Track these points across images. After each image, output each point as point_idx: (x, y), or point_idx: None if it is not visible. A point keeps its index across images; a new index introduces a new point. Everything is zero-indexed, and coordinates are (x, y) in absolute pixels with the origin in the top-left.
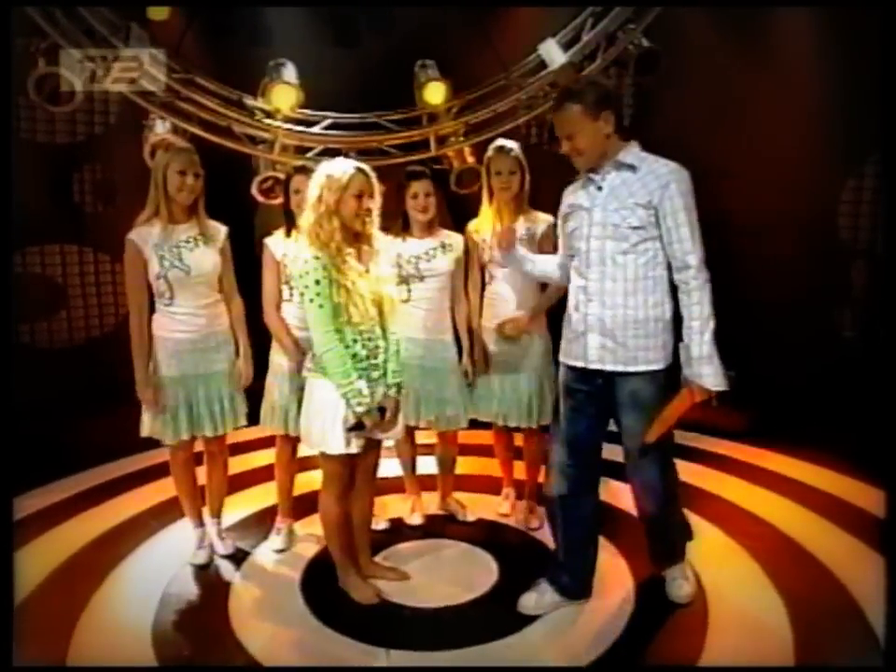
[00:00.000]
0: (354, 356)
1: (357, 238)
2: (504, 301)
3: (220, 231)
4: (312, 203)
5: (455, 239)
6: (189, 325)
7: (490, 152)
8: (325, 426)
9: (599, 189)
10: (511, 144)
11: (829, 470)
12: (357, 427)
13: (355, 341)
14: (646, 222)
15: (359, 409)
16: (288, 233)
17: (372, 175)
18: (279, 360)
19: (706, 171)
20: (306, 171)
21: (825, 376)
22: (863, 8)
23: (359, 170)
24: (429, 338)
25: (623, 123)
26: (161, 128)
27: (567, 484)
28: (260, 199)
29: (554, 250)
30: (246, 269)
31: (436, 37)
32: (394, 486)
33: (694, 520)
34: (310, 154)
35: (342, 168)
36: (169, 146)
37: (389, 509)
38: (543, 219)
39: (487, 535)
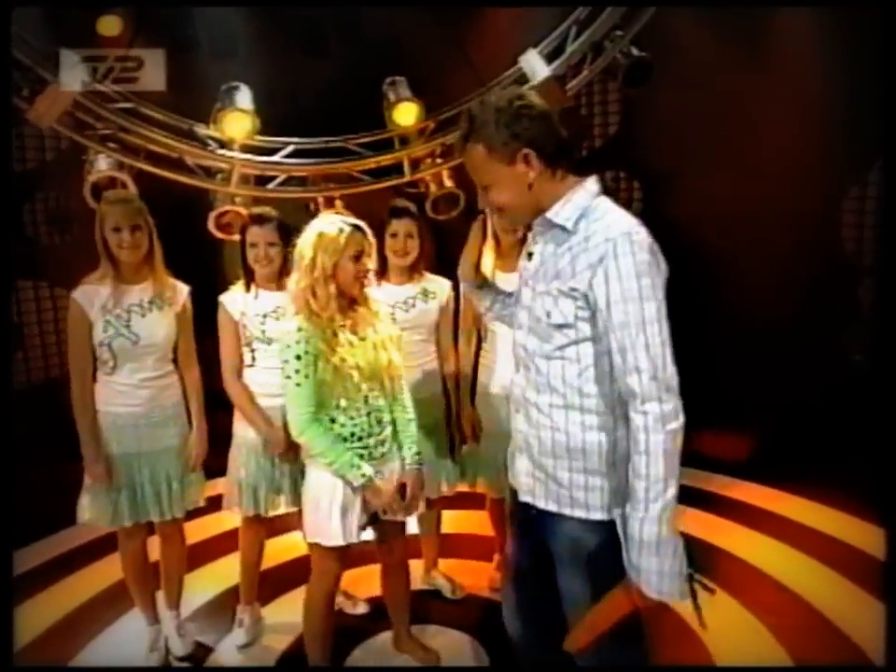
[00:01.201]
0: (350, 435)
1: (352, 303)
2: (506, 362)
3: (180, 291)
4: (304, 266)
5: (441, 284)
6: (131, 398)
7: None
8: (318, 514)
9: (529, 256)
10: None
11: (832, 509)
12: (372, 521)
13: (346, 422)
14: (573, 319)
15: (358, 480)
16: (248, 288)
17: (368, 231)
18: (243, 433)
19: (698, 184)
20: (262, 221)
21: (832, 401)
22: (863, 10)
23: (356, 227)
24: (415, 397)
25: (564, 156)
26: (103, 164)
27: (518, 627)
28: (218, 235)
29: None
30: (208, 320)
31: (405, 51)
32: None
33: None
34: (272, 184)
35: (337, 227)
36: (104, 198)
37: (368, 584)
38: None
39: (479, 617)
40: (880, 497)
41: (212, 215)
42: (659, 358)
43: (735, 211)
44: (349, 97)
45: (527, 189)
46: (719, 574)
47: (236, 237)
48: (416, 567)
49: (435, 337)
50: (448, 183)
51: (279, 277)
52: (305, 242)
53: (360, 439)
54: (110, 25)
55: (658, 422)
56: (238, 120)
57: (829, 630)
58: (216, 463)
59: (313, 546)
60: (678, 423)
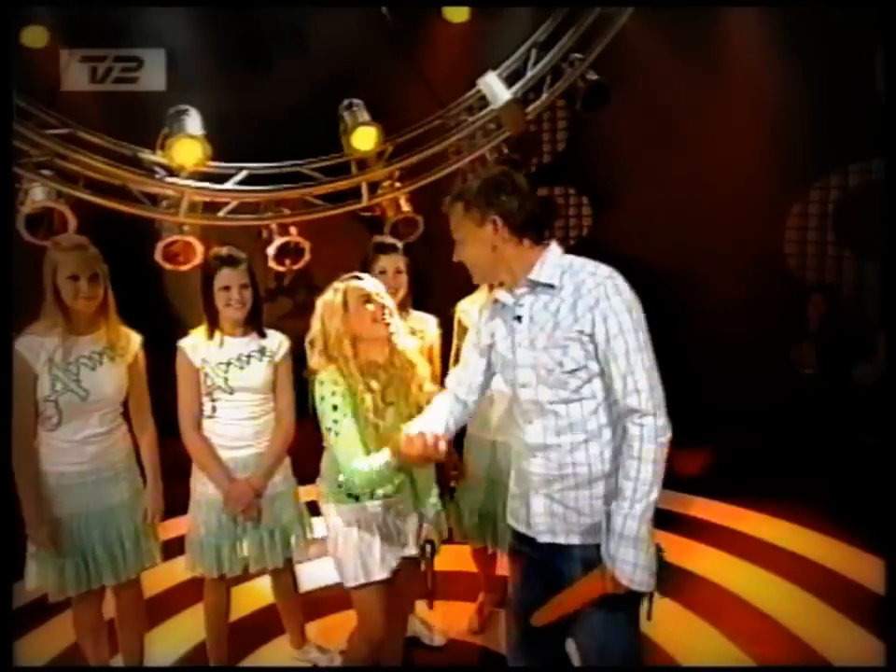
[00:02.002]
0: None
1: (382, 367)
2: (495, 402)
3: (132, 341)
4: (316, 333)
5: (428, 324)
6: (75, 456)
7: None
8: (343, 556)
9: (518, 319)
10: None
11: (787, 522)
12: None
13: None
14: (584, 360)
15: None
16: (211, 335)
17: (374, 285)
18: (202, 489)
19: (646, 199)
20: (235, 262)
21: (783, 416)
22: (810, 30)
23: (354, 277)
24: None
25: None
26: (39, 194)
27: (524, 661)
28: (167, 265)
29: None
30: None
31: (361, 72)
32: (338, 601)
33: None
34: (223, 212)
35: (332, 289)
36: (55, 243)
37: (340, 632)
38: None
39: (461, 665)
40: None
41: (160, 245)
42: (653, 380)
43: (682, 226)
44: (303, 121)
45: (490, 250)
46: (680, 592)
47: (186, 266)
48: None
49: None
50: (406, 207)
51: (247, 322)
52: (322, 303)
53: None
54: (36, 36)
55: (652, 433)
56: (188, 147)
57: (789, 640)
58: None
59: (354, 591)
60: (666, 437)
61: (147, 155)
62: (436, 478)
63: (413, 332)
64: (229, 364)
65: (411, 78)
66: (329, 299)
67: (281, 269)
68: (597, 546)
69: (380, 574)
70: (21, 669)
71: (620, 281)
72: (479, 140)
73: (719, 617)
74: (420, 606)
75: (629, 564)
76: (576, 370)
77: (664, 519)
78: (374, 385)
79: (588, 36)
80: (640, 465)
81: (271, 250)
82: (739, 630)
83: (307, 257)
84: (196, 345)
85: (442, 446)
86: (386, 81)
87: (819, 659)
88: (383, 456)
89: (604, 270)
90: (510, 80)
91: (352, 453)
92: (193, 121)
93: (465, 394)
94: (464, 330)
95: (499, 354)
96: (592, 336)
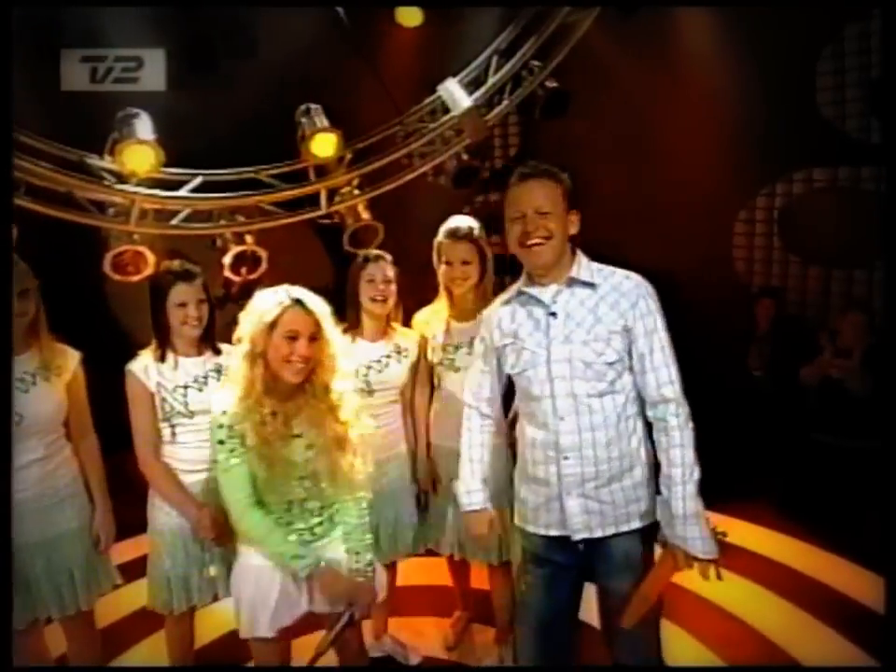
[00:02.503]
0: (276, 520)
1: (293, 392)
2: (452, 414)
3: (70, 358)
4: (235, 337)
5: (411, 340)
6: (15, 483)
7: (440, 236)
8: (235, 602)
9: (553, 315)
10: (468, 223)
11: (745, 522)
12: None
13: (274, 509)
14: (622, 353)
15: (303, 571)
16: (163, 357)
17: (320, 308)
18: (165, 519)
19: (598, 205)
20: (190, 276)
21: (735, 417)
22: (760, 42)
23: (297, 302)
24: (381, 458)
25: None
26: None
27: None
28: (116, 277)
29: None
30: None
31: (318, 76)
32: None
33: None
34: (175, 220)
35: (275, 299)
36: None
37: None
38: None
39: (462, 665)
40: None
41: (108, 255)
42: (677, 373)
43: (633, 232)
44: (259, 126)
45: (566, 234)
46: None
47: (137, 277)
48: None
49: (403, 396)
50: (365, 215)
51: (201, 339)
52: (244, 312)
53: (289, 523)
54: None
55: (687, 420)
56: (140, 152)
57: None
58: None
59: (251, 642)
60: (691, 419)
61: (94, 160)
62: (413, 491)
63: (399, 350)
64: (187, 387)
65: (368, 83)
66: (261, 308)
67: (237, 279)
68: (627, 534)
69: (268, 632)
70: (20, 669)
71: (650, 287)
72: (438, 146)
73: (683, 617)
74: (392, 624)
75: (698, 539)
76: (614, 362)
77: None
78: (278, 408)
79: (549, 44)
80: (683, 451)
81: (227, 259)
82: (702, 629)
83: (264, 266)
84: (147, 368)
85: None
86: (343, 86)
87: (789, 660)
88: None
89: (634, 274)
90: (470, 87)
91: (240, 493)
92: (144, 125)
93: (488, 407)
94: (423, 341)
95: (525, 350)
96: (630, 331)
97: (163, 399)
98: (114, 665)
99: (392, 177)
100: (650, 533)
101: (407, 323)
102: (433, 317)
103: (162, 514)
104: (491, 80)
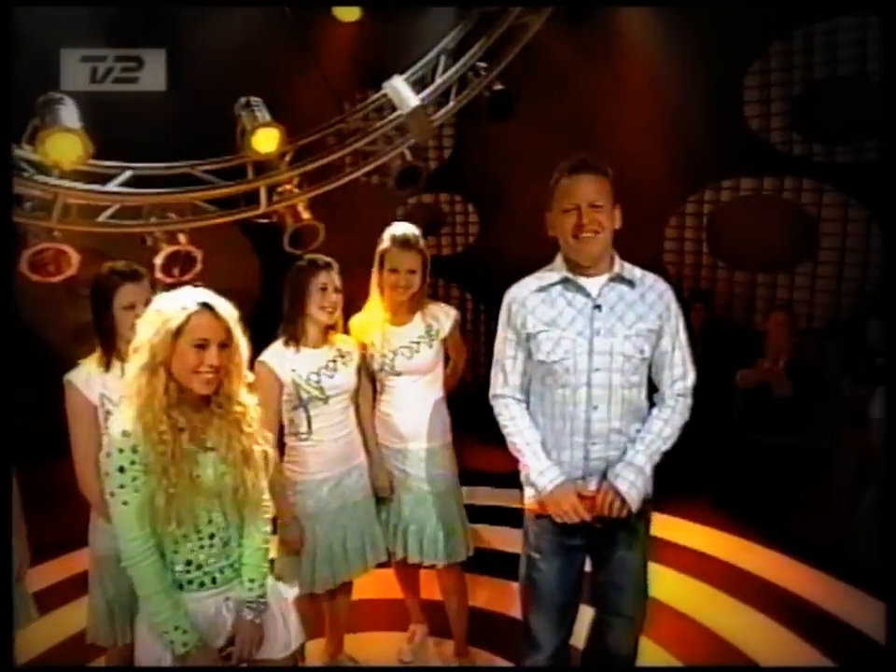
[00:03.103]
0: (186, 563)
1: (201, 402)
2: (404, 419)
3: None
4: (132, 347)
5: (350, 344)
6: None
7: (386, 242)
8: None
9: (598, 308)
10: (413, 231)
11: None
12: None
13: (179, 548)
14: (653, 349)
15: (178, 649)
16: (107, 366)
17: (229, 313)
18: (108, 542)
19: (532, 207)
20: (137, 277)
21: None
22: (699, 52)
23: (205, 306)
24: (343, 469)
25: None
26: None
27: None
28: (34, 277)
29: (456, 353)
30: None
31: (256, 69)
32: None
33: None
34: (102, 216)
35: (179, 303)
36: None
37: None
38: (446, 313)
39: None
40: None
41: (26, 253)
42: (693, 369)
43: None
44: (195, 118)
45: (613, 227)
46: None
47: (58, 278)
48: (318, 646)
49: (354, 402)
50: (306, 215)
51: None
52: (143, 318)
53: (199, 567)
54: None
55: (684, 410)
56: (66, 142)
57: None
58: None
59: None
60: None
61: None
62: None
63: (342, 354)
64: None
65: (310, 79)
66: (166, 313)
67: (169, 280)
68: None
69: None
70: (20, 669)
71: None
72: (381, 146)
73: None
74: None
75: (627, 481)
76: (647, 357)
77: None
78: (189, 424)
79: (497, 46)
80: (664, 426)
81: (158, 260)
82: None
83: (199, 267)
84: (90, 378)
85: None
86: (284, 80)
87: (740, 656)
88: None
89: (660, 277)
90: (416, 86)
91: (137, 533)
92: (69, 112)
93: (521, 393)
94: (364, 347)
95: (565, 339)
96: (661, 329)
97: (108, 413)
98: (115, 666)
99: (334, 177)
100: (646, 508)
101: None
102: (368, 323)
103: (106, 538)
104: (439, 80)
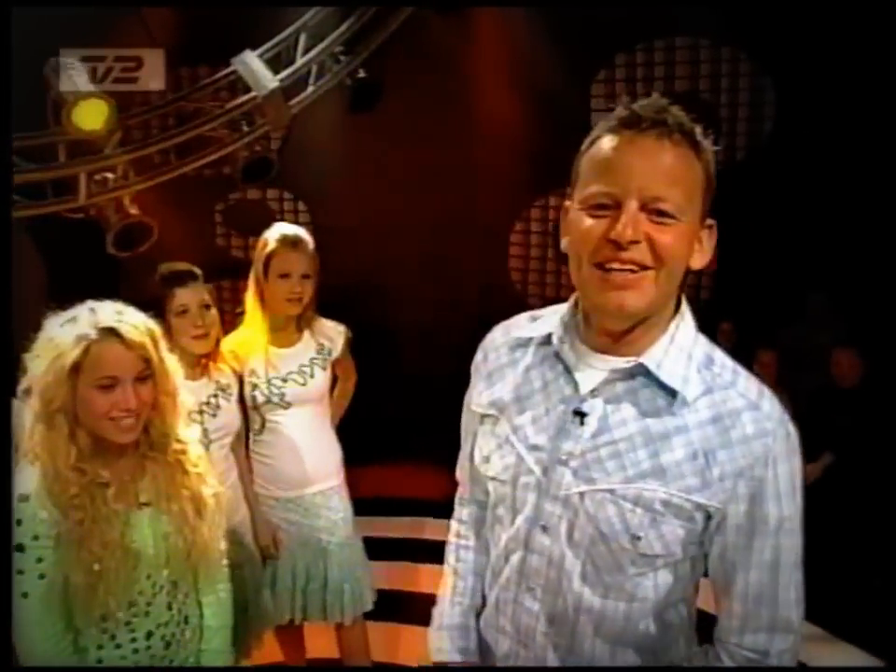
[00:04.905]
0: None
1: (125, 448)
2: (294, 460)
3: None
4: (21, 388)
5: (227, 375)
6: None
7: (272, 244)
8: None
9: (579, 416)
10: (301, 231)
11: None
12: None
13: (110, 652)
14: (678, 546)
15: None
16: None
17: (145, 334)
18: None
19: (362, 205)
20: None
21: None
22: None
23: (111, 333)
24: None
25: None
26: None
27: None
28: None
29: (345, 374)
30: None
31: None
32: None
33: None
34: None
35: (72, 330)
36: None
37: None
38: (337, 330)
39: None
40: None
41: None
42: (801, 594)
43: (405, 234)
44: None
45: (683, 265)
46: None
47: None
48: None
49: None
50: (133, 210)
51: None
52: (31, 351)
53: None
54: None
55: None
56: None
57: None
58: None
59: None
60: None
61: None
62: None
63: (223, 388)
64: None
65: (137, 40)
66: (63, 344)
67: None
68: None
69: None
70: (20, 669)
71: (793, 430)
72: (221, 132)
73: None
74: None
75: None
76: (653, 557)
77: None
78: (110, 475)
79: (365, 29)
80: None
81: None
82: None
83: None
84: None
85: None
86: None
87: None
88: None
89: (771, 404)
90: (271, 66)
91: (49, 635)
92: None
93: (484, 492)
94: (240, 377)
95: (508, 446)
96: (712, 517)
97: None
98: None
99: (169, 165)
100: None
101: None
102: (244, 346)
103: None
104: (300, 61)
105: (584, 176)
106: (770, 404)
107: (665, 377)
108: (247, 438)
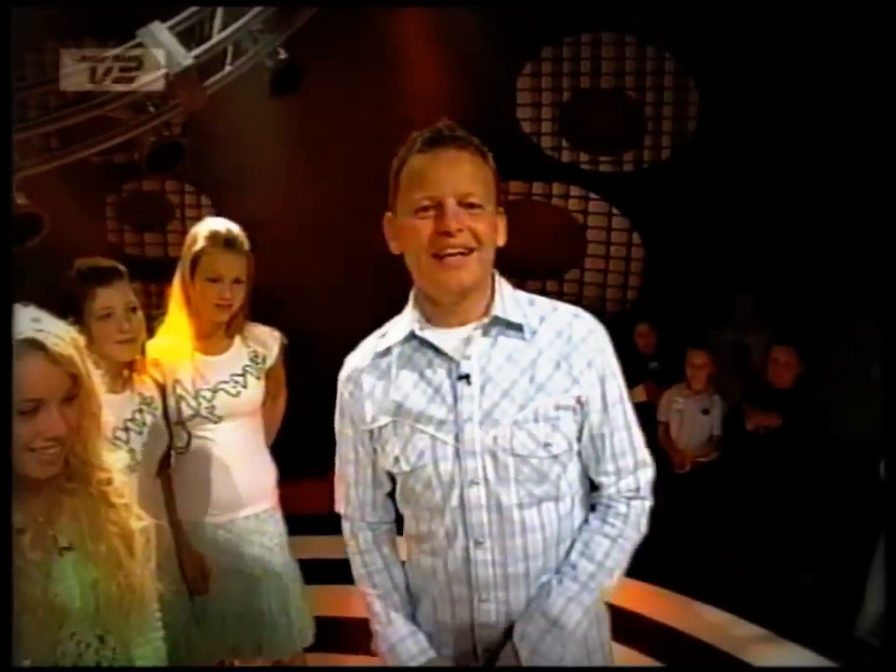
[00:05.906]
0: None
1: (38, 484)
2: (226, 482)
3: None
4: None
5: (150, 387)
6: None
7: (201, 241)
8: None
9: (464, 378)
10: (235, 228)
11: None
12: None
13: None
14: (573, 438)
15: None
16: None
17: (70, 345)
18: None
19: (267, 198)
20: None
21: None
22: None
23: (31, 345)
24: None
25: None
26: None
27: None
28: None
29: (277, 386)
30: None
31: None
32: None
33: None
34: None
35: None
36: None
37: None
38: (272, 336)
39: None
40: None
41: None
42: (646, 450)
43: (320, 229)
44: None
45: (494, 243)
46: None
47: None
48: None
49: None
50: (20, 200)
51: None
52: None
53: None
54: None
55: (640, 516)
56: None
57: None
58: None
59: None
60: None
61: None
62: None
63: (147, 402)
64: None
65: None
66: None
67: None
68: None
69: None
70: (21, 669)
71: (604, 329)
72: (122, 112)
73: None
74: None
75: (529, 645)
76: (563, 452)
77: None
78: (23, 518)
79: (284, 10)
80: (612, 548)
81: None
82: None
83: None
84: None
85: None
86: None
87: None
88: None
89: (585, 312)
90: (182, 39)
91: None
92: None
93: (373, 512)
94: (163, 389)
95: (419, 435)
96: (586, 403)
97: None
98: (114, 666)
99: (64, 150)
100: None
101: None
102: (167, 354)
103: None
104: (217, 36)
105: (405, 189)
106: (584, 312)
107: (513, 318)
108: (169, 457)
